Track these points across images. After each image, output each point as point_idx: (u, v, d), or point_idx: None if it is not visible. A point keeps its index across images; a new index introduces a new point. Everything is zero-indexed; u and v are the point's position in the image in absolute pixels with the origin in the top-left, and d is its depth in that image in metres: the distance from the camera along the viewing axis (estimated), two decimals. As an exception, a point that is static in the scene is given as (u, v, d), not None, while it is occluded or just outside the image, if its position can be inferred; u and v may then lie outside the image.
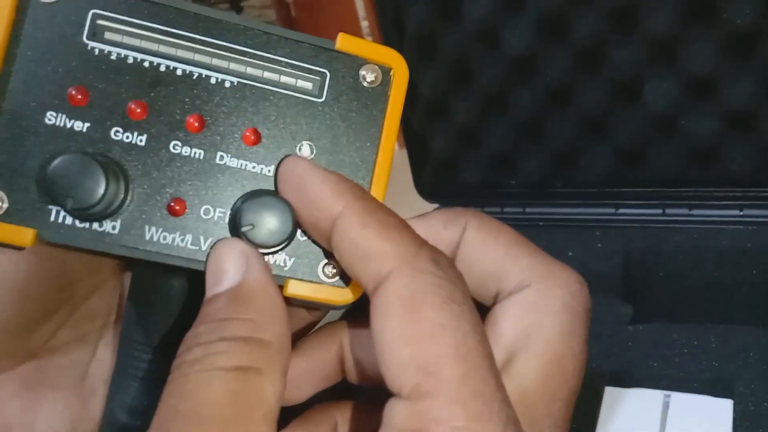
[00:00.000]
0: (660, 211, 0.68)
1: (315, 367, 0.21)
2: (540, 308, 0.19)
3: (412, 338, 0.16)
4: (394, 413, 0.16)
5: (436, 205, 0.79)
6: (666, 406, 0.50)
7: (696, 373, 0.52)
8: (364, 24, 3.36)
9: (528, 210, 0.74)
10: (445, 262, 0.18)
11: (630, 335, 0.57)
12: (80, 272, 0.22)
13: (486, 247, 0.20)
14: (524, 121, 0.69)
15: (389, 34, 0.70)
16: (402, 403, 0.16)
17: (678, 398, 0.50)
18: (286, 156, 0.20)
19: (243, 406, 0.16)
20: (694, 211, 0.67)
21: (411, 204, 0.80)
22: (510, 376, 0.18)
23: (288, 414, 0.21)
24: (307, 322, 0.24)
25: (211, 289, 0.19)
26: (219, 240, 0.20)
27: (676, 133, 0.65)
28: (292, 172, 0.20)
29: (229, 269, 0.19)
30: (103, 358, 0.23)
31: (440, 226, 0.21)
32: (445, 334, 0.16)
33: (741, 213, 0.65)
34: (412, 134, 0.75)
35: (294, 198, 0.19)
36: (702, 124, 0.64)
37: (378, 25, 0.71)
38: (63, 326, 0.23)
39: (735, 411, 0.48)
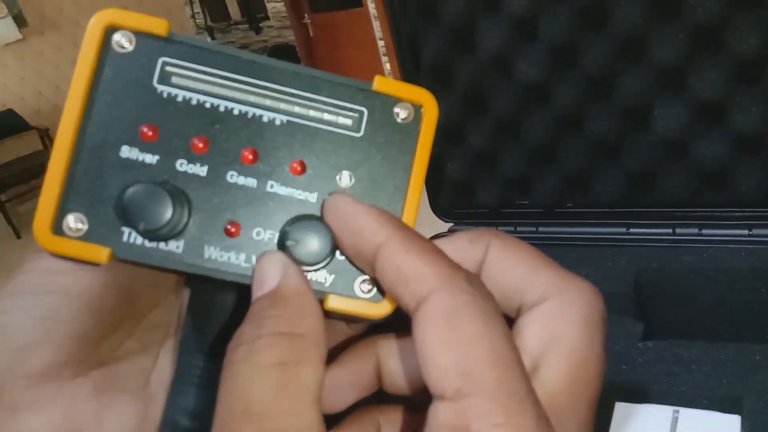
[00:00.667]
0: (670, 230, 0.70)
1: (355, 377, 0.23)
2: (560, 318, 0.21)
3: (453, 346, 0.18)
4: (438, 413, 0.18)
5: (450, 224, 0.82)
6: (675, 422, 0.51)
7: (705, 390, 0.54)
8: (381, 43, 3.42)
9: (541, 229, 0.76)
10: (478, 282, 0.20)
11: (640, 352, 0.59)
12: (145, 289, 0.25)
13: (508, 263, 0.22)
14: (537, 145, 0.71)
15: (406, 63, 0.73)
16: (445, 403, 0.18)
17: (687, 414, 0.52)
18: (331, 192, 0.23)
19: (289, 397, 0.18)
20: (704, 231, 0.68)
21: (428, 222, 0.83)
22: (537, 382, 0.20)
23: (331, 421, 0.23)
24: (347, 336, 0.26)
25: (255, 293, 0.21)
26: (263, 252, 0.22)
27: (685, 156, 0.67)
28: (336, 206, 0.22)
29: (269, 275, 0.21)
30: (164, 367, 0.25)
31: (465, 246, 0.22)
32: (481, 342, 0.18)
33: (750, 233, 0.66)
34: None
35: (339, 229, 0.22)
36: (711, 147, 0.65)
37: (395, 53, 0.73)
38: (130, 337, 0.25)
39: (743, 427, 0.50)
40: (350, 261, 0.23)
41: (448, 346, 0.18)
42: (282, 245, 0.22)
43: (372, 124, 0.23)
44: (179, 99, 0.22)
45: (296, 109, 0.23)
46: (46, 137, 4.05)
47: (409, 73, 0.74)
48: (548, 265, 0.22)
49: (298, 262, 0.22)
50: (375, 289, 0.23)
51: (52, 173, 0.22)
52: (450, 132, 0.75)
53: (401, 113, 0.23)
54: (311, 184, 0.23)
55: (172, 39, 0.22)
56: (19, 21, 4.15)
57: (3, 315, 0.22)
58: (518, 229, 0.77)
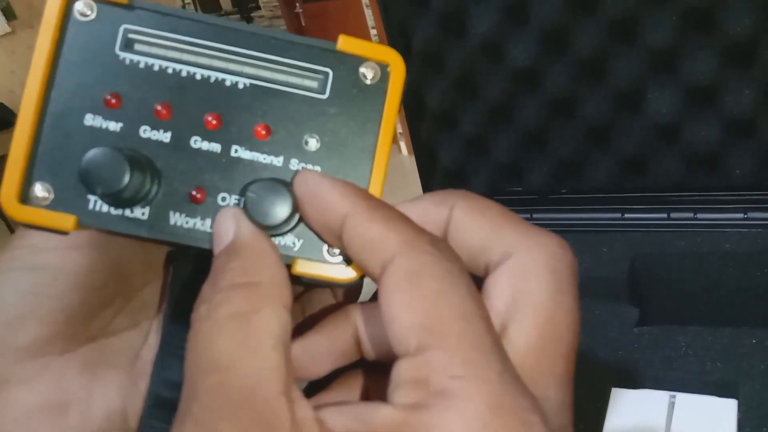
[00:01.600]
0: (665, 215, 0.69)
1: (333, 344, 0.23)
2: (524, 274, 0.20)
3: (414, 305, 0.18)
4: (401, 370, 0.18)
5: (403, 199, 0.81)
6: (671, 407, 0.51)
7: (701, 375, 0.54)
8: (373, 32, 3.39)
9: (535, 216, 0.75)
10: (442, 244, 0.20)
11: (636, 337, 0.59)
12: (135, 267, 0.25)
13: (472, 223, 0.21)
14: (529, 130, 0.71)
15: (396, 48, 0.72)
16: (407, 359, 0.18)
17: (683, 399, 0.51)
18: (297, 171, 0.23)
19: (250, 345, 0.18)
20: (699, 215, 0.68)
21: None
22: (506, 341, 0.19)
23: (319, 388, 0.24)
24: (331, 304, 0.26)
25: (215, 250, 0.21)
26: (219, 210, 0.22)
27: (679, 140, 0.66)
28: (305, 181, 0.22)
29: (223, 229, 0.21)
30: (153, 343, 0.25)
31: (430, 207, 0.22)
32: (443, 299, 0.18)
33: (745, 216, 0.66)
34: (420, 145, 0.77)
35: (307, 203, 0.22)
36: (704, 131, 0.65)
37: (386, 40, 0.73)
38: (119, 314, 0.25)
39: (739, 411, 0.49)
40: (318, 236, 0.23)
41: (410, 305, 0.18)
42: (245, 207, 0.22)
43: (337, 85, 0.23)
44: (141, 65, 0.22)
45: (259, 72, 0.23)
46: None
47: (399, 60, 0.73)
48: (512, 221, 0.21)
49: (261, 225, 0.22)
50: (344, 255, 0.23)
51: (17, 143, 0.22)
52: (442, 118, 0.74)
53: (367, 73, 0.23)
54: (276, 148, 0.23)
55: (133, 5, 0.22)
56: (8, 14, 4.12)
57: None
58: (512, 216, 0.77)
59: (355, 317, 0.24)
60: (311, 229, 0.22)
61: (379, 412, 0.18)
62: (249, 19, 4.41)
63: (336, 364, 0.24)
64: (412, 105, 0.75)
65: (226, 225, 0.21)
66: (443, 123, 0.74)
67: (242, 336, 0.18)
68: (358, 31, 3.49)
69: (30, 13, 4.21)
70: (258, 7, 4.33)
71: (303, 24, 4.03)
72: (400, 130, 3.56)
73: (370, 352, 0.24)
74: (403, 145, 3.58)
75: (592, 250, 0.69)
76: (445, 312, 0.18)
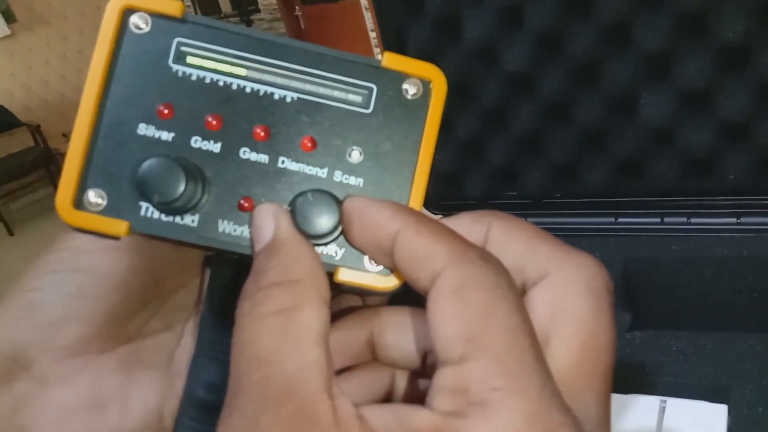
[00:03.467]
0: (659, 220, 0.69)
1: (346, 343, 0.24)
2: (564, 291, 0.21)
3: (461, 316, 0.19)
4: (441, 377, 0.18)
5: (439, 216, 0.81)
6: (662, 412, 0.51)
7: (692, 380, 0.54)
8: (372, 35, 3.40)
9: (529, 220, 0.75)
10: (491, 257, 0.20)
11: (628, 342, 0.59)
12: (171, 271, 0.26)
13: (509, 242, 0.22)
14: (524, 135, 0.71)
15: (391, 51, 0.72)
16: (449, 368, 0.18)
17: (674, 404, 0.51)
18: (346, 197, 0.23)
19: (293, 340, 0.19)
20: (692, 220, 0.68)
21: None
22: (548, 356, 0.20)
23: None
24: (351, 305, 0.27)
25: (255, 249, 0.22)
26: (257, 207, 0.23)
27: (672, 144, 0.66)
28: (353, 206, 0.23)
29: (263, 227, 0.22)
30: (187, 345, 0.26)
31: (469, 225, 0.23)
32: (489, 312, 0.18)
33: (738, 221, 0.66)
34: (415, 149, 0.77)
35: (358, 227, 0.22)
36: (698, 135, 0.65)
37: (380, 44, 0.73)
38: (155, 316, 0.26)
39: (730, 416, 0.49)
40: (372, 258, 0.23)
41: (457, 316, 0.19)
42: (292, 214, 0.23)
43: (381, 100, 0.24)
44: (193, 78, 0.23)
45: (306, 86, 0.23)
46: (37, 133, 4.03)
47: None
48: (547, 240, 0.22)
49: (306, 233, 0.22)
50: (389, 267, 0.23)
51: (73, 150, 0.23)
52: (436, 123, 0.74)
53: (410, 89, 0.24)
54: (321, 159, 0.24)
55: (186, 19, 0.23)
56: (8, 16, 4.12)
57: (36, 291, 0.23)
58: (506, 220, 0.77)
59: (374, 322, 0.24)
60: (360, 250, 0.23)
61: (419, 415, 0.18)
62: (249, 22, 4.42)
63: (346, 362, 0.24)
64: (406, 109, 0.75)
65: (266, 222, 0.22)
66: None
67: (285, 332, 0.19)
68: (357, 34, 3.50)
69: (30, 15, 4.22)
70: (257, 10, 4.34)
71: (302, 27, 4.04)
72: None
73: (385, 358, 0.24)
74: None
75: (585, 254, 0.69)
76: (490, 324, 0.18)
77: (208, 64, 0.23)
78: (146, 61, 0.23)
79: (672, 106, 0.64)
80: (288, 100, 0.23)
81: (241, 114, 0.23)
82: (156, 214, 0.23)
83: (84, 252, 0.23)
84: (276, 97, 0.23)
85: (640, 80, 0.64)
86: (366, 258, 0.23)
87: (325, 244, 0.23)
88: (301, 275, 0.20)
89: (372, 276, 0.23)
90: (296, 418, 0.18)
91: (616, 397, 0.53)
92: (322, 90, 0.24)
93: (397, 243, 0.21)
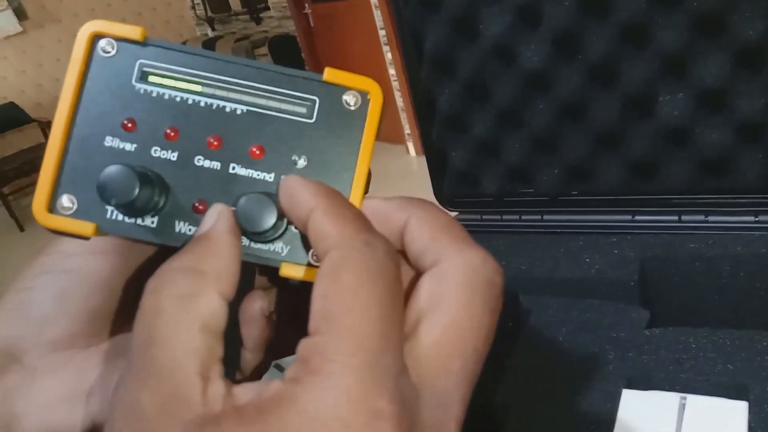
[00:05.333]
0: (676, 217, 0.69)
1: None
2: (443, 280, 0.23)
3: (327, 295, 0.21)
4: (299, 348, 0.21)
5: (455, 213, 0.82)
6: (682, 409, 0.51)
7: (711, 376, 0.54)
8: (382, 33, 3.39)
9: (546, 217, 0.76)
10: (378, 244, 0.22)
11: (646, 339, 0.59)
12: (152, 272, 0.28)
13: (419, 230, 0.24)
14: (541, 133, 0.71)
15: (408, 52, 0.72)
16: (305, 338, 0.21)
17: (694, 400, 0.52)
18: (287, 173, 0.26)
19: (182, 326, 0.21)
20: (710, 218, 0.68)
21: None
22: (414, 337, 0.22)
23: None
24: None
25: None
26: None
27: (689, 143, 0.66)
28: (284, 184, 0.25)
29: (205, 221, 0.24)
30: None
31: (394, 211, 0.25)
32: (351, 293, 0.20)
33: (756, 219, 0.66)
34: (431, 147, 0.77)
35: (286, 204, 0.25)
36: (715, 134, 0.65)
37: (396, 43, 0.73)
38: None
39: (750, 413, 0.50)
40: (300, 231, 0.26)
41: (324, 294, 0.21)
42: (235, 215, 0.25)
43: (323, 111, 0.26)
44: (154, 95, 0.26)
45: (255, 99, 0.26)
46: (48, 130, 4.04)
47: (411, 62, 0.74)
48: (450, 233, 0.24)
49: (251, 231, 0.25)
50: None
51: (47, 160, 0.25)
52: (453, 121, 0.75)
53: (350, 100, 0.26)
54: (269, 166, 0.26)
55: (147, 43, 0.26)
56: (20, 14, 4.14)
57: (28, 291, 0.26)
58: (523, 217, 0.77)
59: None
60: (292, 222, 0.25)
61: (271, 385, 0.20)
62: (258, 20, 4.43)
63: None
64: (423, 107, 0.75)
65: (209, 218, 0.24)
66: (454, 125, 0.75)
67: (177, 316, 0.21)
68: (367, 31, 3.49)
69: (41, 13, 4.24)
70: (267, 8, 4.34)
71: (312, 24, 4.04)
72: (408, 131, 3.56)
73: None
74: (411, 145, 3.58)
75: (602, 251, 0.69)
76: (346, 304, 0.20)
77: (168, 82, 0.26)
78: (112, 81, 0.26)
79: (689, 105, 0.65)
80: (238, 112, 0.26)
81: (196, 126, 0.26)
82: (119, 217, 0.25)
83: (71, 255, 0.26)
84: (228, 110, 0.26)
85: (658, 80, 0.64)
86: (310, 253, 0.26)
87: (271, 241, 0.26)
88: (208, 268, 0.22)
89: (315, 271, 0.25)
90: (170, 397, 0.20)
91: (636, 394, 0.53)
92: (269, 103, 0.26)
93: (309, 220, 0.23)
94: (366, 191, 0.29)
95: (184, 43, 4.76)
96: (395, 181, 3.17)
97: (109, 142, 0.26)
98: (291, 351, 0.28)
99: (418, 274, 0.24)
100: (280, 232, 0.25)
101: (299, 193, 0.24)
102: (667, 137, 0.67)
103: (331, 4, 3.74)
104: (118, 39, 0.26)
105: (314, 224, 0.23)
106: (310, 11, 3.98)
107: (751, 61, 0.60)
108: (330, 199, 0.23)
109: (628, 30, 0.63)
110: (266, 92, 0.26)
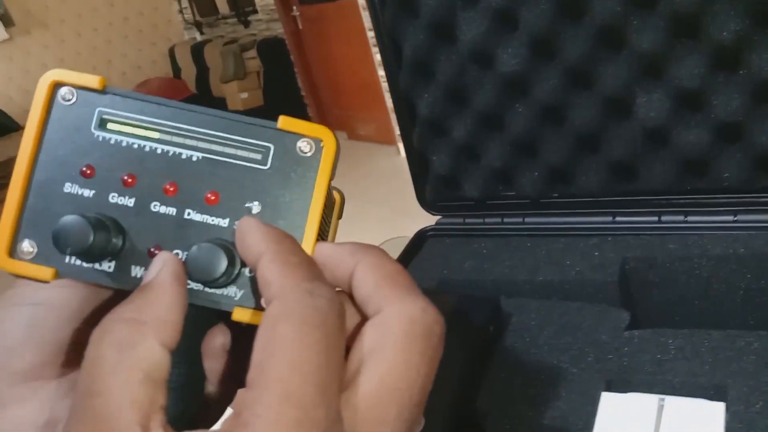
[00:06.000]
0: (656, 218, 0.70)
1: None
2: (383, 330, 0.23)
3: (264, 346, 0.21)
4: (236, 397, 0.21)
5: (438, 217, 0.82)
6: (660, 410, 0.51)
7: (690, 378, 0.54)
8: (370, 35, 3.39)
9: (527, 220, 0.76)
10: (321, 293, 0.22)
11: (626, 341, 0.59)
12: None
13: (366, 277, 0.24)
14: (521, 136, 0.71)
15: (388, 57, 0.72)
16: (241, 390, 0.21)
17: (672, 402, 0.52)
18: (241, 217, 0.26)
19: (121, 376, 0.21)
20: (690, 218, 0.69)
21: (419, 214, 0.83)
22: (354, 386, 0.22)
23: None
24: None
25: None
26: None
27: (668, 144, 0.67)
28: (240, 226, 0.25)
29: (149, 271, 0.25)
30: None
31: (345, 257, 0.25)
32: (286, 346, 0.21)
33: (735, 218, 0.67)
34: (413, 151, 0.77)
35: (240, 246, 0.25)
36: (693, 134, 0.66)
37: (377, 44, 0.73)
38: None
39: (727, 413, 0.50)
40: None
41: (262, 345, 0.21)
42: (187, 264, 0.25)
43: (278, 157, 0.27)
44: (112, 142, 0.26)
45: (211, 146, 0.26)
46: (37, 137, 4.02)
47: (391, 67, 0.74)
48: (393, 282, 0.24)
49: (202, 280, 0.25)
50: None
51: (8, 205, 0.26)
52: (433, 125, 0.75)
53: (303, 147, 0.27)
54: (223, 211, 0.26)
55: (107, 91, 0.26)
56: (6, 20, 4.12)
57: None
58: (505, 220, 0.77)
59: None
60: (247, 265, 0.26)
61: None
62: (246, 23, 4.42)
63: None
64: (404, 112, 0.76)
65: (154, 267, 0.25)
66: (435, 129, 0.75)
67: (116, 366, 0.21)
68: (355, 33, 3.49)
69: (28, 19, 4.22)
70: (255, 11, 4.33)
71: (300, 27, 4.04)
72: (398, 132, 3.56)
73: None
74: (401, 146, 3.58)
75: (583, 253, 0.70)
76: (282, 357, 0.20)
77: (126, 129, 0.26)
78: (72, 128, 0.26)
79: (667, 106, 0.65)
80: (194, 159, 0.26)
81: (153, 172, 0.26)
82: (78, 261, 0.26)
83: (41, 287, 0.26)
84: (183, 156, 0.26)
85: (635, 81, 0.64)
86: (263, 298, 0.25)
87: (225, 286, 0.26)
88: (149, 317, 0.22)
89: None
90: None
91: (614, 396, 0.54)
92: (225, 149, 0.26)
93: (257, 266, 0.23)
94: (339, 216, 0.30)
95: (172, 48, 4.75)
96: (386, 181, 3.17)
97: (68, 188, 0.26)
98: None
99: (364, 319, 0.24)
100: (232, 277, 0.25)
101: (251, 237, 0.24)
102: (645, 138, 0.67)
103: (319, 6, 3.74)
104: (78, 87, 0.26)
105: (261, 270, 0.23)
106: (298, 13, 3.98)
107: (727, 61, 0.61)
108: (278, 245, 0.24)
109: (605, 32, 0.63)
110: (222, 139, 0.26)
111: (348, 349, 0.23)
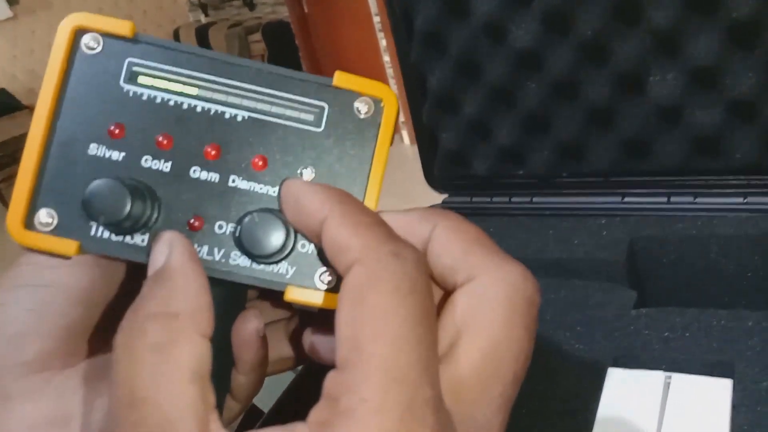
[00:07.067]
0: (665, 199, 0.69)
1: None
2: (481, 298, 0.21)
3: (355, 320, 0.19)
4: (326, 383, 0.19)
5: (445, 196, 0.81)
6: (667, 387, 0.51)
7: (697, 355, 0.54)
8: (377, 20, 3.37)
9: (535, 199, 0.75)
10: (406, 255, 0.20)
11: (633, 319, 0.59)
12: (135, 284, 0.25)
13: (448, 243, 0.22)
14: (531, 113, 0.71)
15: (399, 32, 0.72)
16: (333, 373, 0.18)
17: (679, 379, 0.52)
18: (285, 179, 0.24)
19: (167, 379, 0.19)
20: (699, 199, 0.68)
21: (427, 194, 0.82)
22: (451, 360, 0.20)
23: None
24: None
25: (148, 275, 0.22)
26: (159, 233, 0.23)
27: (680, 123, 0.66)
28: (288, 190, 0.23)
29: (156, 254, 0.22)
30: None
31: (416, 222, 0.23)
32: (383, 318, 0.18)
33: (744, 200, 0.66)
34: (421, 127, 0.77)
35: (291, 212, 0.22)
36: (706, 113, 0.65)
37: (389, 21, 0.73)
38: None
39: (734, 391, 0.50)
40: (314, 245, 0.23)
41: (352, 319, 0.19)
42: (237, 238, 0.23)
43: (333, 119, 0.24)
44: (144, 98, 0.23)
45: (258, 105, 0.24)
46: (40, 116, 4.01)
47: (401, 41, 0.73)
48: (483, 246, 0.22)
49: (255, 255, 0.22)
50: (335, 280, 0.23)
51: (24, 170, 0.23)
52: (443, 100, 0.74)
53: (362, 108, 0.24)
54: (272, 178, 0.24)
55: (138, 39, 0.23)
56: (10, -1, 4.10)
57: (1, 307, 0.23)
58: (513, 199, 0.77)
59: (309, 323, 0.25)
60: (301, 234, 0.23)
61: (295, 431, 0.18)
62: (252, 6, 4.39)
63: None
64: (413, 86, 0.75)
65: (159, 250, 0.22)
66: (445, 105, 0.74)
67: (158, 369, 0.19)
68: (361, 17, 3.47)
69: (32, -2, 4.20)
70: (261, -6, 4.31)
71: (306, 11, 4.01)
72: (402, 119, 3.55)
73: (314, 356, 0.25)
74: (405, 134, 3.57)
75: (591, 232, 0.69)
76: (379, 331, 0.18)
77: (159, 83, 0.23)
78: (98, 81, 0.23)
79: (680, 84, 0.64)
80: (239, 119, 0.24)
81: (191, 133, 0.23)
82: (106, 234, 0.23)
83: (47, 267, 0.23)
84: (227, 116, 0.23)
85: (649, 58, 0.64)
86: (317, 275, 0.23)
87: (276, 263, 0.23)
88: (180, 308, 0.20)
89: (322, 294, 0.23)
90: None
91: (621, 372, 0.53)
92: (273, 109, 0.24)
93: (323, 230, 0.21)
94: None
95: (176, 30, 4.73)
96: (389, 169, 3.14)
97: (94, 150, 0.23)
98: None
99: (445, 291, 0.22)
100: (286, 252, 0.23)
101: (307, 199, 0.22)
102: (657, 117, 0.66)
103: (326, -9, 3.72)
104: (104, 34, 0.23)
105: (330, 235, 0.21)
106: (304, -3, 3.95)
107: (743, 38, 0.60)
108: (344, 205, 0.21)
109: (620, 7, 0.62)
110: (270, 97, 0.24)
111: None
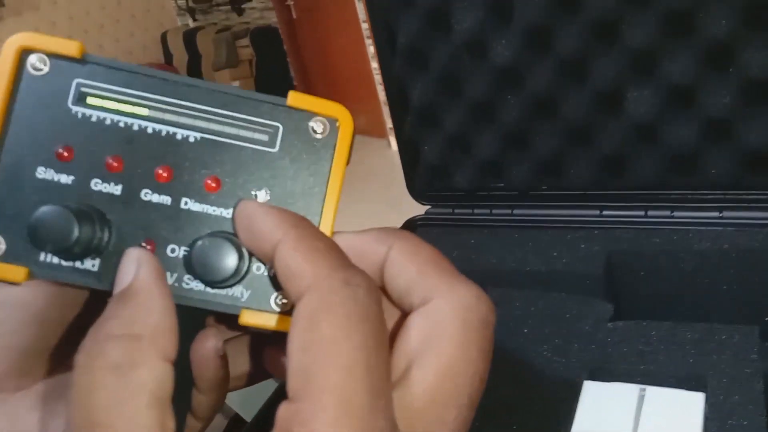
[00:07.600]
0: (642, 213, 0.70)
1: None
2: (436, 320, 0.21)
3: (306, 349, 0.18)
4: (278, 413, 0.18)
5: (428, 207, 0.82)
6: (641, 400, 0.52)
7: (671, 369, 0.55)
8: (365, 26, 3.38)
9: (516, 212, 0.76)
10: (359, 282, 0.19)
11: (609, 332, 0.60)
12: (95, 301, 0.24)
13: (404, 264, 0.22)
14: (512, 128, 0.72)
15: (381, 45, 0.72)
16: (285, 404, 0.18)
17: (653, 392, 0.53)
18: (239, 200, 0.23)
19: (125, 403, 0.18)
20: (675, 213, 0.69)
21: (413, 201, 0.83)
22: (405, 384, 0.20)
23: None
24: None
25: (113, 294, 0.21)
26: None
27: (657, 140, 0.67)
28: (241, 212, 0.22)
29: (122, 273, 0.21)
30: None
31: (371, 243, 0.23)
32: (333, 346, 0.18)
33: (720, 215, 0.67)
34: (404, 141, 0.78)
35: (245, 235, 0.22)
36: (682, 131, 0.66)
37: (372, 35, 0.73)
38: (77, 348, 0.25)
39: (707, 404, 0.51)
40: (267, 269, 0.23)
41: (303, 348, 0.18)
42: (187, 261, 0.22)
43: (287, 139, 0.23)
44: (94, 119, 0.23)
45: (210, 126, 0.23)
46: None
47: (385, 55, 0.74)
48: (438, 267, 0.22)
49: (208, 281, 0.22)
50: (291, 303, 0.22)
51: None
52: (425, 115, 0.75)
53: (317, 128, 0.24)
54: (226, 200, 0.23)
55: (86, 60, 0.23)
56: (-4, 1, 4.07)
57: None
58: (494, 211, 0.78)
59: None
60: (254, 256, 0.23)
61: None
62: (240, 11, 4.39)
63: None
64: (396, 101, 0.76)
65: (126, 268, 0.21)
66: (426, 119, 0.75)
67: (117, 392, 0.18)
68: (349, 24, 3.48)
69: (19, 1, 4.17)
70: (249, -1, 4.31)
71: (294, 16, 4.02)
72: (390, 125, 3.56)
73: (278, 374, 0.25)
74: (392, 140, 3.58)
75: (569, 246, 0.70)
76: (330, 361, 0.18)
77: (109, 104, 0.23)
78: (45, 103, 0.22)
79: (657, 102, 0.65)
80: (191, 140, 0.23)
81: (142, 155, 0.23)
82: (56, 260, 0.22)
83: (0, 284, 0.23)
84: (179, 137, 0.23)
85: (626, 76, 0.65)
86: (272, 298, 0.23)
87: (230, 286, 0.23)
88: (143, 330, 0.20)
89: (276, 317, 0.23)
90: None
91: (596, 385, 0.54)
92: (226, 129, 0.23)
93: (275, 254, 0.20)
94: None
95: (164, 34, 4.71)
96: (377, 175, 3.17)
97: (42, 173, 0.22)
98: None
99: (402, 312, 0.22)
100: (240, 276, 0.22)
101: (261, 222, 0.21)
102: (634, 133, 0.67)
103: (314, -3, 3.73)
104: (51, 55, 0.23)
105: (283, 260, 0.20)
106: (292, 3, 3.96)
107: (718, 59, 0.61)
108: (298, 229, 0.21)
109: (598, 26, 0.63)
110: (223, 117, 0.23)
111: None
